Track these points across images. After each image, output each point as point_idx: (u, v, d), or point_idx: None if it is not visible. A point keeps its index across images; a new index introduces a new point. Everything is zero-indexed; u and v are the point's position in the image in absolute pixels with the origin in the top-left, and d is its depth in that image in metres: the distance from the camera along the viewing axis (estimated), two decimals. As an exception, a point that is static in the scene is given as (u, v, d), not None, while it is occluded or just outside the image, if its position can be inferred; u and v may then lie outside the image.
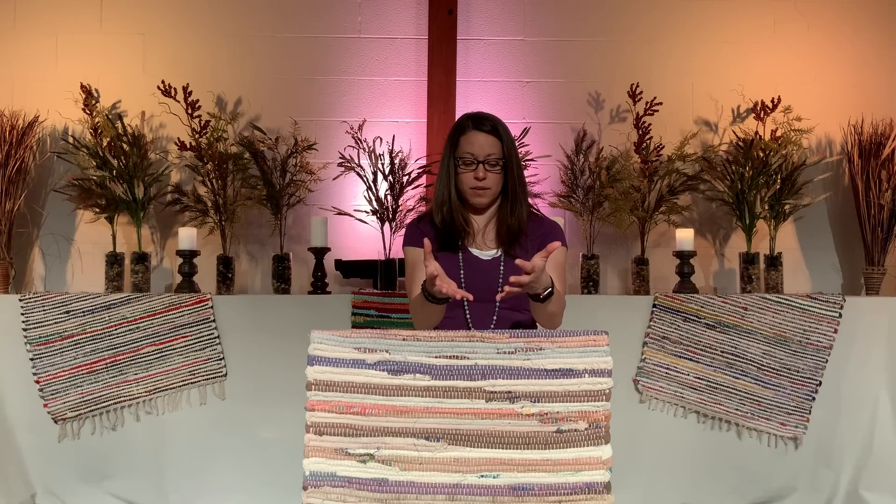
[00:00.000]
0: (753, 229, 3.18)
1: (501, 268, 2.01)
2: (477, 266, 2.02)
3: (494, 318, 2.00)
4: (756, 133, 3.19)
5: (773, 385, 2.85)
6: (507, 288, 1.76)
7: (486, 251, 2.04)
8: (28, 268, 3.33)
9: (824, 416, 2.86)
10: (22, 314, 2.85)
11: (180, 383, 2.84)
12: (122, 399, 2.83)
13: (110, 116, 3.22)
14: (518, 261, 1.77)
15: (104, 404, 2.83)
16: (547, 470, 1.56)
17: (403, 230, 2.34)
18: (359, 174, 3.18)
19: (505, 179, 2.03)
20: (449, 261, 2.01)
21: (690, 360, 2.87)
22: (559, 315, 1.98)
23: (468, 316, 2.00)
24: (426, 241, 1.79)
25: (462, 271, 2.01)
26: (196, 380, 2.85)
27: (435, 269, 1.75)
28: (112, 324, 2.84)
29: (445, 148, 2.06)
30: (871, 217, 3.18)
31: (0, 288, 3.13)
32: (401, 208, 3.16)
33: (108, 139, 3.14)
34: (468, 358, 1.60)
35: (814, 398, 2.85)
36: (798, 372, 2.85)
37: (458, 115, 2.84)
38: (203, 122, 3.16)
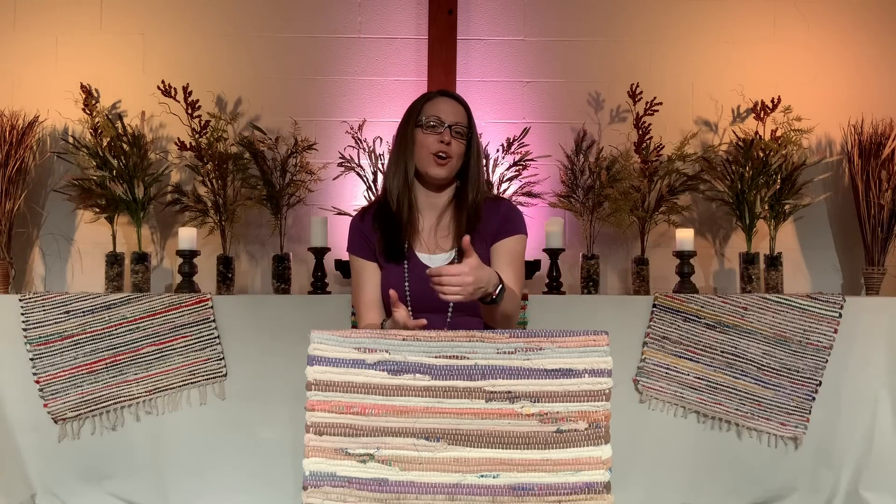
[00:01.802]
0: (753, 229, 3.18)
1: None
2: (424, 276, 1.85)
3: (446, 327, 1.92)
4: (756, 133, 3.19)
5: (773, 385, 2.85)
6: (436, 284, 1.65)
7: (436, 254, 1.93)
8: (28, 268, 3.33)
9: (824, 416, 2.85)
10: (22, 314, 2.85)
11: (180, 383, 2.84)
12: (122, 399, 2.83)
13: (110, 116, 3.22)
14: (464, 241, 1.66)
15: (104, 404, 2.83)
16: (547, 470, 1.56)
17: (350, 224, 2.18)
18: (359, 174, 3.18)
19: (466, 160, 1.92)
20: (393, 271, 1.92)
21: (690, 360, 2.87)
22: (514, 316, 1.84)
23: None
24: (392, 293, 1.71)
25: (407, 282, 1.91)
26: (196, 380, 2.85)
27: (407, 321, 1.70)
28: (112, 324, 2.84)
29: (405, 119, 1.95)
30: (871, 217, 3.18)
31: (0, 288, 3.13)
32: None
33: (108, 139, 3.14)
34: (468, 358, 1.59)
35: (814, 398, 2.85)
36: (798, 372, 2.85)
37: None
38: (203, 122, 3.16)
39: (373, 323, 1.96)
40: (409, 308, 1.91)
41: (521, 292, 1.92)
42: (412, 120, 1.93)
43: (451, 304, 1.92)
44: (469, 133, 1.93)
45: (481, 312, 1.81)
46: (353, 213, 3.15)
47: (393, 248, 1.93)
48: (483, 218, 1.93)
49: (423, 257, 1.94)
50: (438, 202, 1.97)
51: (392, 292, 1.74)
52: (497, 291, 1.72)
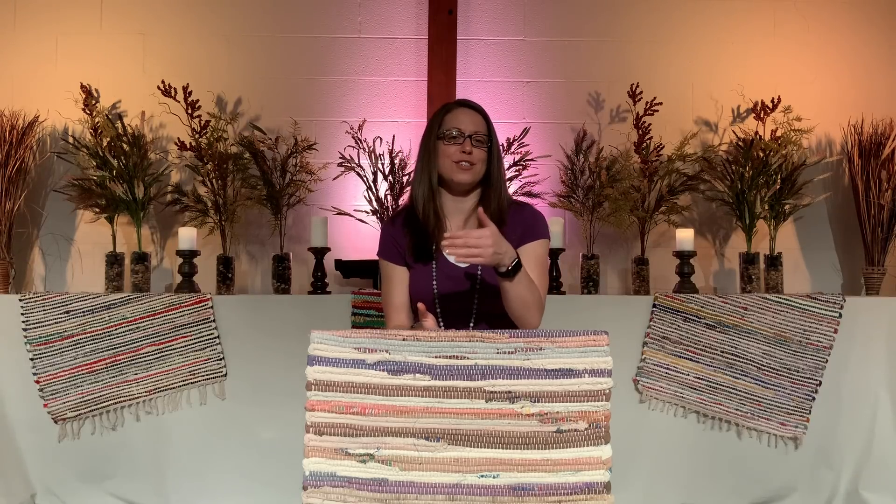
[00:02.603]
0: (753, 229, 3.18)
1: (479, 273, 1.96)
2: (451, 276, 1.96)
3: (471, 326, 1.96)
4: (756, 133, 3.19)
5: (773, 385, 2.85)
6: (448, 239, 1.75)
7: None
8: (28, 268, 3.33)
9: (824, 416, 2.85)
10: (22, 314, 2.85)
11: (180, 383, 2.84)
12: (122, 399, 2.83)
13: (110, 116, 3.22)
14: (479, 211, 1.80)
15: (104, 404, 2.83)
16: (547, 470, 1.56)
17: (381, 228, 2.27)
18: (359, 174, 3.18)
19: (488, 166, 1.98)
20: (421, 272, 1.98)
21: (690, 360, 2.87)
22: (534, 307, 1.87)
23: (442, 326, 1.95)
24: (420, 305, 1.83)
25: (435, 282, 1.97)
26: (196, 380, 2.85)
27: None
28: (112, 324, 2.84)
29: (427, 131, 2.01)
30: (871, 217, 3.18)
31: (0, 288, 3.13)
32: (401, 208, 3.16)
33: (108, 139, 3.14)
34: (468, 358, 1.59)
35: (814, 398, 2.85)
36: (798, 372, 2.85)
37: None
38: (203, 122, 3.16)
39: (400, 325, 2.01)
40: (437, 306, 1.96)
41: (545, 294, 1.96)
42: (434, 132, 2.00)
43: (476, 302, 1.96)
44: (489, 140, 1.99)
45: (502, 296, 1.87)
46: (354, 214, 3.19)
47: (422, 250, 1.99)
48: (507, 222, 1.98)
49: (451, 258, 1.96)
50: (464, 206, 2.03)
51: (420, 305, 1.83)
52: (512, 264, 1.79)
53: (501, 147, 3.21)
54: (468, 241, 1.73)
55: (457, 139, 1.95)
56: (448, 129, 1.96)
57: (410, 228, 2.02)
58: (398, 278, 2.02)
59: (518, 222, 1.99)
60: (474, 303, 1.96)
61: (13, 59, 3.37)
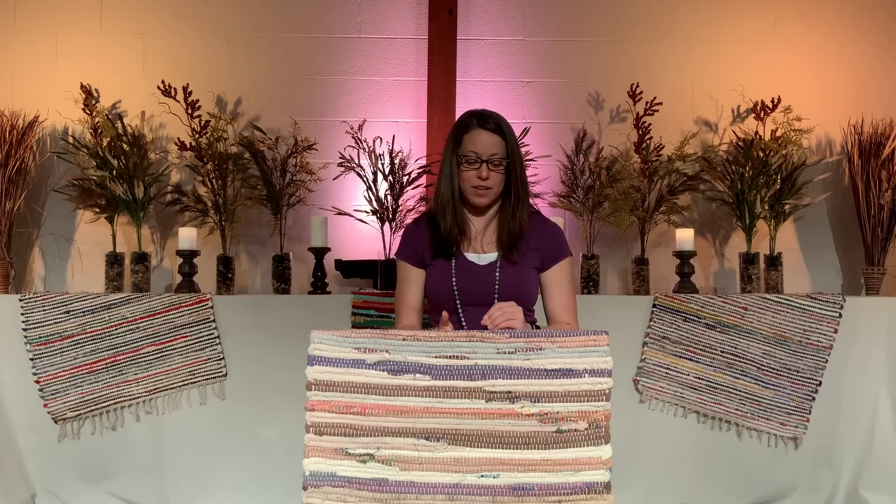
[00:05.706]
0: (753, 229, 3.18)
1: (497, 273, 1.99)
2: (471, 271, 2.00)
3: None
4: (756, 133, 3.19)
5: (773, 385, 2.85)
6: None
7: (483, 254, 2.03)
8: (28, 268, 3.33)
9: (824, 416, 2.85)
10: (22, 314, 2.85)
11: (180, 383, 2.84)
12: (122, 399, 2.83)
13: (110, 116, 3.22)
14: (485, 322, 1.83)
15: (104, 404, 2.83)
16: (547, 470, 1.56)
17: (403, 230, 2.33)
18: (359, 174, 3.18)
19: (507, 180, 2.00)
20: (441, 267, 2.02)
21: (690, 360, 2.87)
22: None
23: (463, 322, 1.99)
24: (444, 314, 1.84)
25: (454, 278, 2.00)
26: (196, 380, 2.85)
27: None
28: (112, 324, 2.84)
29: (448, 145, 2.04)
30: (871, 217, 3.18)
31: (0, 288, 3.13)
32: (401, 208, 3.16)
33: (108, 139, 3.14)
34: (468, 358, 1.60)
35: (814, 398, 2.85)
36: (798, 372, 2.85)
37: (458, 116, 2.84)
38: (203, 122, 3.16)
39: (410, 325, 2.05)
40: (456, 299, 1.99)
41: (575, 311, 2.03)
42: (452, 150, 2.02)
43: (496, 297, 1.99)
44: (507, 158, 1.99)
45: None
46: (354, 214, 3.19)
47: (443, 248, 2.03)
48: (527, 234, 2.02)
49: (471, 256, 2.03)
50: (486, 216, 2.07)
51: (444, 314, 1.85)
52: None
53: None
54: (504, 312, 1.80)
55: (473, 164, 1.97)
56: (465, 153, 1.98)
57: (433, 232, 2.05)
58: (413, 280, 2.05)
59: (539, 236, 2.03)
60: (493, 297, 1.99)
61: (13, 58, 3.37)
